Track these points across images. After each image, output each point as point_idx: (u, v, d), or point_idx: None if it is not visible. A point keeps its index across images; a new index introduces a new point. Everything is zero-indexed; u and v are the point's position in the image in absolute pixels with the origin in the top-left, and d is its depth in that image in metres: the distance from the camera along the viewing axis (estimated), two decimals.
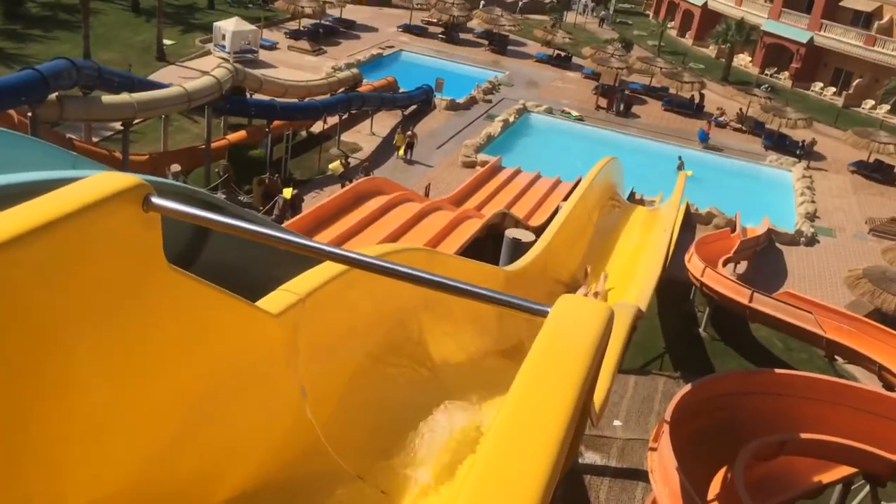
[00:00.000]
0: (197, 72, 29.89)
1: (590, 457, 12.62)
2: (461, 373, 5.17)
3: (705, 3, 54.35)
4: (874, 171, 35.82)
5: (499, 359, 6.22)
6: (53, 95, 18.82)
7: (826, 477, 11.38)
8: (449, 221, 17.77)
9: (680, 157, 32.84)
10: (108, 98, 20.64)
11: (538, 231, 13.90)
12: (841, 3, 47.94)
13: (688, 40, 55.77)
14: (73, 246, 1.93)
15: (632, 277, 15.15)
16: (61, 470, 2.06)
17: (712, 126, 37.82)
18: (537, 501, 1.57)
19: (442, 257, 6.97)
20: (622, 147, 31.86)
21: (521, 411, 1.78)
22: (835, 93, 47.96)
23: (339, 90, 30.73)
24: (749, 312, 19.32)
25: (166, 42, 35.38)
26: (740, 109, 39.98)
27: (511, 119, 34.87)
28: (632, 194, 25.93)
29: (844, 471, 11.23)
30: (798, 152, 36.28)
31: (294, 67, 36.14)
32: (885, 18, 46.98)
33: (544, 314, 2.01)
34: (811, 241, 28.12)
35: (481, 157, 29.46)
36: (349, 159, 26.85)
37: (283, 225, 15.57)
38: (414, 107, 33.68)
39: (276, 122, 25.64)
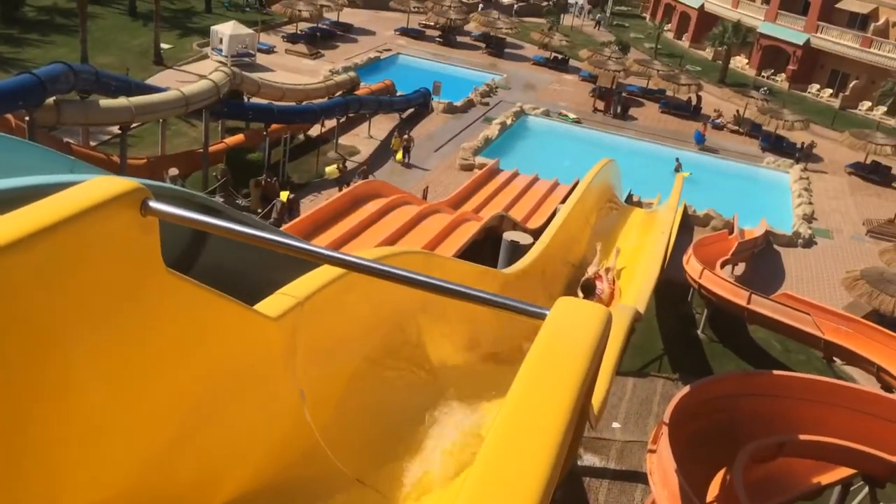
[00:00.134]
0: (194, 76, 29.92)
1: (589, 459, 12.62)
2: (460, 375, 5.17)
3: (702, 6, 54.46)
4: (871, 173, 35.88)
5: (497, 361, 6.22)
6: (51, 99, 18.80)
7: (825, 478, 11.38)
8: (447, 224, 17.76)
9: (677, 159, 32.90)
10: (105, 102, 20.64)
11: (536, 233, 13.89)
12: (837, 6, 48.04)
13: (684, 43, 55.86)
14: (71, 250, 1.93)
15: (630, 279, 15.15)
16: (60, 472, 2.06)
17: (708, 127, 37.88)
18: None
19: (440, 260, 6.96)
20: (620, 149, 31.88)
21: (519, 414, 1.78)
22: (831, 94, 48.04)
23: (336, 93, 30.75)
24: (747, 314, 19.33)
25: (164, 46, 35.39)
26: (737, 111, 40.04)
27: (508, 122, 34.90)
28: (629, 196, 25.95)
29: (843, 472, 11.23)
30: (797, 155, 36.33)
31: (291, 71, 36.16)
32: (881, 20, 47.08)
33: (542, 317, 2.01)
34: (809, 243, 28.15)
35: (479, 159, 29.48)
36: (346, 163, 26.85)
37: (280, 228, 15.57)
38: (411, 110, 33.69)
39: (273, 126, 25.62)
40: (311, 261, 2.45)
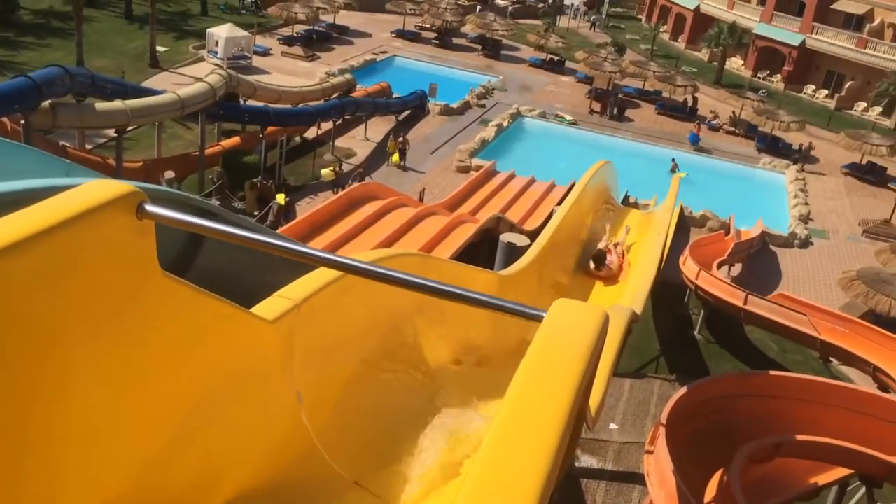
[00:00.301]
0: (190, 78, 29.91)
1: (586, 460, 12.61)
2: (457, 377, 5.17)
3: (697, 7, 54.57)
4: (867, 173, 35.96)
5: (494, 363, 6.22)
6: (47, 103, 18.78)
7: (822, 478, 11.38)
8: (443, 226, 17.77)
9: (673, 160, 32.96)
10: (101, 105, 20.61)
11: (533, 235, 13.90)
12: (832, 6, 48.16)
13: (680, 44, 55.96)
14: (68, 254, 1.93)
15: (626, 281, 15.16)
16: (59, 474, 2.07)
17: (702, 128, 37.95)
18: None
19: (436, 262, 6.97)
20: (616, 151, 31.92)
21: (517, 416, 1.78)
22: (827, 95, 48.13)
23: (332, 96, 30.76)
24: (744, 315, 19.35)
25: (159, 49, 35.37)
26: (733, 112, 40.10)
27: (505, 123, 34.92)
28: (626, 198, 25.97)
29: (840, 472, 11.24)
30: (796, 157, 36.38)
31: (288, 73, 36.15)
32: (877, 21, 47.20)
33: (539, 319, 2.01)
34: (805, 244, 28.20)
35: (475, 161, 29.50)
36: (342, 166, 26.84)
37: (277, 231, 15.56)
38: (408, 112, 33.70)
39: (270, 128, 25.63)
40: (308, 263, 2.45)
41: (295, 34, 42.32)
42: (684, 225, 27.07)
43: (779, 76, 49.92)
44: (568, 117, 37.47)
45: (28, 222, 1.86)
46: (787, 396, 10.69)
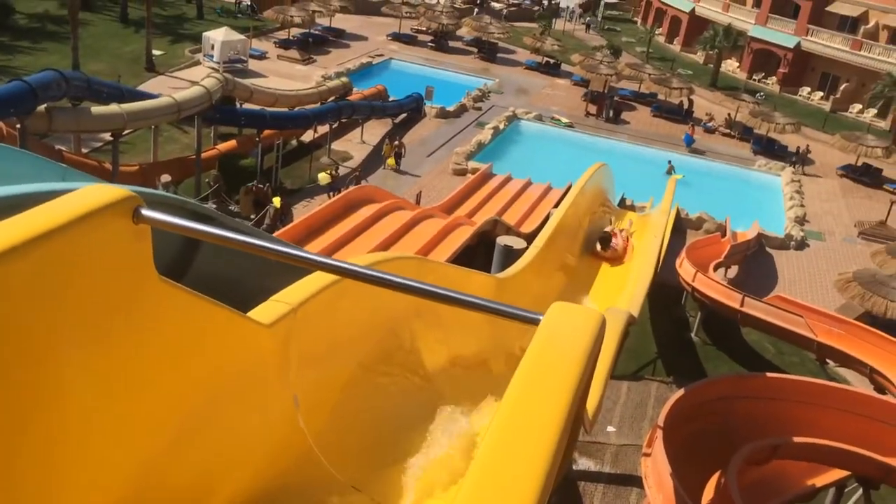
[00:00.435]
0: (186, 82, 29.88)
1: (583, 463, 12.59)
2: (454, 381, 5.17)
3: (693, 10, 54.68)
4: (862, 175, 36.04)
5: (492, 366, 6.22)
6: (42, 107, 18.77)
7: (819, 480, 11.40)
8: (440, 229, 17.77)
9: (670, 161, 33.01)
10: (97, 109, 20.59)
11: (529, 238, 13.92)
12: (827, 9, 48.30)
13: (676, 46, 56.06)
14: (64, 259, 1.92)
15: (623, 283, 15.19)
16: (57, 478, 2.06)
17: (695, 129, 38.01)
18: None
19: (433, 265, 6.97)
20: (612, 153, 31.99)
21: (514, 419, 1.78)
22: (822, 97, 48.26)
23: (329, 99, 30.76)
24: (740, 317, 19.38)
25: (155, 52, 35.35)
26: (729, 115, 40.18)
27: (501, 126, 34.95)
28: (622, 200, 26.00)
29: (837, 474, 11.26)
30: (793, 159, 36.44)
31: (284, 77, 36.16)
32: (871, 23, 47.34)
33: (536, 322, 2.01)
34: (801, 245, 28.25)
35: (472, 164, 29.51)
36: (338, 169, 26.83)
37: (273, 234, 15.55)
38: (404, 115, 33.72)
39: (266, 132, 25.62)
40: (304, 267, 2.44)
41: (291, 37, 42.32)
42: (681, 227, 27.10)
43: (774, 78, 50.04)
44: (564, 120, 37.51)
45: (24, 227, 1.85)
46: (784, 398, 10.69)
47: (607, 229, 16.79)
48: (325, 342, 3.58)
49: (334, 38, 44.90)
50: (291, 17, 41.11)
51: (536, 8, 62.04)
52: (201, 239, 2.32)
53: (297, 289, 3.32)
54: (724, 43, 46.94)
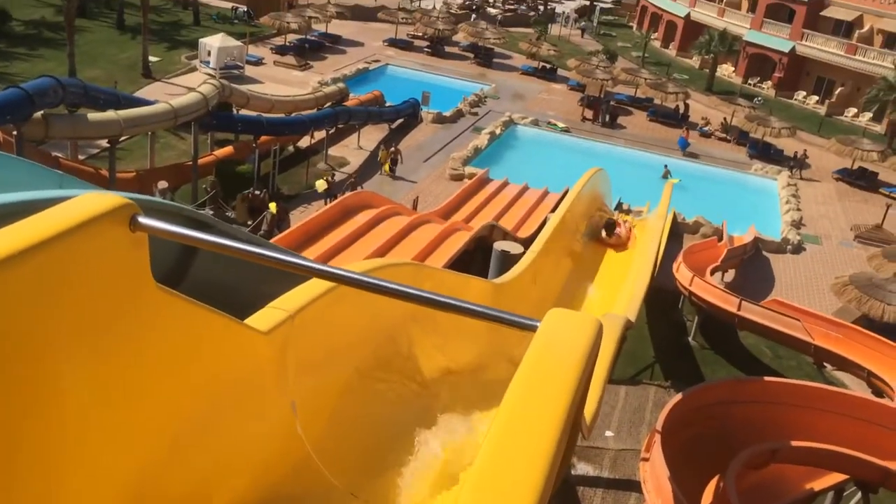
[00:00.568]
0: (183, 88, 29.92)
1: (582, 468, 12.59)
2: (452, 387, 5.17)
3: (688, 15, 54.85)
4: (858, 179, 36.13)
5: (489, 373, 6.21)
6: (39, 114, 18.73)
7: (817, 484, 11.40)
8: (437, 235, 17.77)
9: (666, 166, 33.07)
10: (93, 116, 20.57)
11: (526, 243, 13.92)
12: (822, 13, 48.45)
13: (671, 51, 56.20)
14: (61, 266, 1.92)
15: (620, 287, 15.20)
16: (54, 485, 2.06)
17: (690, 133, 38.09)
18: None
19: (430, 271, 6.96)
20: (609, 158, 32.02)
21: (512, 425, 1.78)
22: (818, 101, 48.38)
23: (325, 105, 30.78)
24: (737, 321, 19.39)
25: (152, 59, 35.37)
26: (724, 119, 40.28)
27: (498, 131, 34.99)
28: (619, 204, 26.01)
29: (836, 478, 11.26)
30: (791, 164, 36.50)
31: (280, 83, 36.18)
32: (866, 27, 47.51)
33: (534, 328, 2.01)
34: (798, 249, 28.28)
35: (469, 169, 29.53)
36: (334, 176, 26.83)
37: (271, 240, 15.54)
38: (401, 120, 33.75)
39: (263, 138, 25.62)
40: (301, 274, 2.44)
41: (287, 43, 42.37)
42: (677, 231, 27.12)
43: (769, 83, 50.17)
44: (560, 125, 37.57)
45: (21, 235, 1.85)
46: (782, 402, 10.71)
47: (612, 218, 18.14)
48: (322, 349, 3.58)
49: (331, 44, 44.96)
50: (288, 23, 41.16)
51: (532, 13, 62.20)
52: (198, 246, 2.32)
53: (295, 295, 3.32)
54: (719, 47, 47.09)
